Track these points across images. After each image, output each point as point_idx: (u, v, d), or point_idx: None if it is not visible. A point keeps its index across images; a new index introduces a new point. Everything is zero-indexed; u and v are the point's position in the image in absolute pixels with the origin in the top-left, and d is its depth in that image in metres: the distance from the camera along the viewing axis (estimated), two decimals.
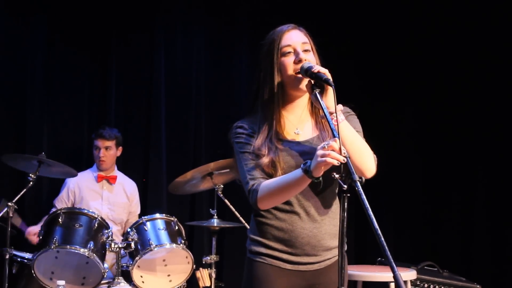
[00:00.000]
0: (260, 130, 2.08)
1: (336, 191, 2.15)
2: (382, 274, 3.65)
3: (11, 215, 3.68)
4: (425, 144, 5.22)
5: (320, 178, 1.88)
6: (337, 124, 1.87)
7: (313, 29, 2.21)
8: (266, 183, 2.00)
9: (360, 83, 5.17)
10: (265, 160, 2.03)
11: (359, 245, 5.11)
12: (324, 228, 2.09)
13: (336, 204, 2.15)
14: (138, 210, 4.54)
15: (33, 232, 4.02)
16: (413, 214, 5.16)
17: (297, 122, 2.14)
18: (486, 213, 5.04)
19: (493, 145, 5.03)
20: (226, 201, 4.03)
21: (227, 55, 5.20)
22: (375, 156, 2.05)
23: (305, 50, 2.08)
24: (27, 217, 4.20)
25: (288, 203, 2.06)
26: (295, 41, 2.09)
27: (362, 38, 5.22)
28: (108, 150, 4.36)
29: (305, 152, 2.05)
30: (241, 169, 2.08)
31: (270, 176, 2.04)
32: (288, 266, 2.09)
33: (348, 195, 1.75)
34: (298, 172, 1.92)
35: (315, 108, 2.15)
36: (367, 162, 1.99)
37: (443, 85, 5.15)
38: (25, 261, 3.67)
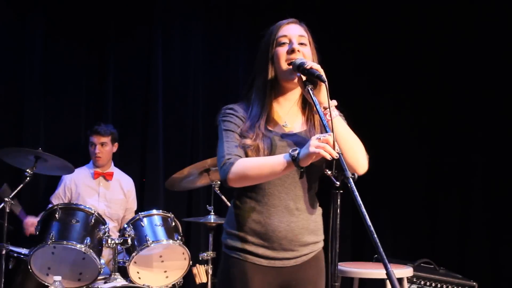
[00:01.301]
0: (250, 116, 2.09)
1: (316, 186, 2.14)
2: (378, 271, 3.65)
3: (8, 210, 3.67)
4: (424, 141, 5.21)
5: (304, 169, 1.87)
6: (331, 120, 1.86)
7: (312, 25, 2.20)
8: (244, 159, 1.99)
9: (360, 78, 5.15)
10: (250, 142, 2.02)
11: (356, 242, 5.12)
12: (301, 223, 2.07)
13: (316, 201, 2.14)
14: (134, 206, 4.54)
15: (31, 222, 4.03)
16: (410, 211, 5.16)
17: (285, 115, 2.14)
18: (482, 211, 5.03)
19: (491, 142, 5.03)
20: (223, 197, 4.03)
21: (225, 51, 5.19)
22: (366, 153, 2.04)
23: (301, 43, 2.09)
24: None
25: (266, 195, 2.05)
26: (292, 33, 2.10)
27: (362, 33, 5.22)
28: (104, 146, 4.35)
29: (291, 144, 2.04)
30: (221, 144, 2.06)
31: None
32: (264, 262, 2.07)
33: (341, 191, 1.75)
34: (282, 157, 1.91)
35: (307, 105, 2.15)
36: (360, 159, 1.99)
37: (443, 83, 5.15)
38: (22, 256, 3.66)
